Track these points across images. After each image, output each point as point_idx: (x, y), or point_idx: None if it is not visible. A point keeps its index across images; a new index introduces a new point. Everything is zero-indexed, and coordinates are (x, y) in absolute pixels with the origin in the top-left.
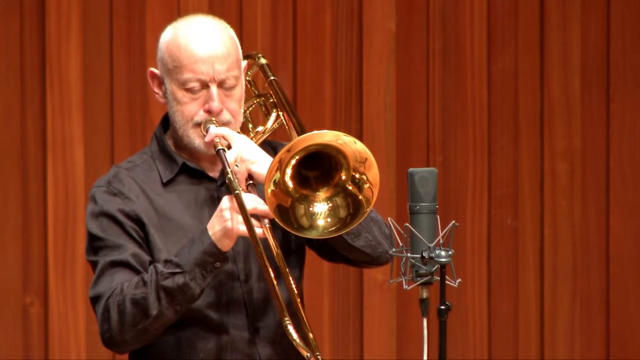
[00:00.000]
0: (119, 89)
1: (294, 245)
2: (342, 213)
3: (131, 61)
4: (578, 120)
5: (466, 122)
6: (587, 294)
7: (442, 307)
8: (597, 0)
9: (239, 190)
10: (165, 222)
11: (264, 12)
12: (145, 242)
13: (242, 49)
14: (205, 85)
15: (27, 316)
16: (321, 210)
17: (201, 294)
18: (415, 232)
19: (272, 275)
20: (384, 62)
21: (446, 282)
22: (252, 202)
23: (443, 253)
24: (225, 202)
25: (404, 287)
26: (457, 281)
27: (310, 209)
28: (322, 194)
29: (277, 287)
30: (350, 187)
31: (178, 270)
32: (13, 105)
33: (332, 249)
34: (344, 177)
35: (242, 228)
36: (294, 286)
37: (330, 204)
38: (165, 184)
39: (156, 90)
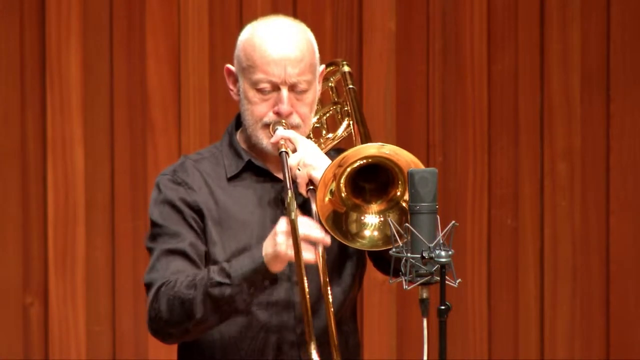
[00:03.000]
0: (119, 89)
1: (351, 249)
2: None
3: (131, 61)
4: (578, 120)
5: (466, 122)
6: (587, 294)
7: (442, 307)
8: (597, 1)
9: (294, 216)
10: (225, 216)
11: (264, 12)
12: (203, 234)
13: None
14: (276, 87)
15: (27, 316)
16: (372, 222)
17: (247, 307)
18: (415, 232)
19: (308, 304)
20: (384, 62)
21: (446, 282)
22: (307, 228)
23: (443, 253)
24: (282, 225)
25: (404, 287)
26: (457, 281)
27: (362, 218)
28: (375, 206)
29: (310, 315)
30: (404, 204)
31: (227, 281)
32: (13, 105)
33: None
34: (399, 193)
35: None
36: (331, 314)
37: (381, 218)
38: (229, 179)
39: (231, 87)
